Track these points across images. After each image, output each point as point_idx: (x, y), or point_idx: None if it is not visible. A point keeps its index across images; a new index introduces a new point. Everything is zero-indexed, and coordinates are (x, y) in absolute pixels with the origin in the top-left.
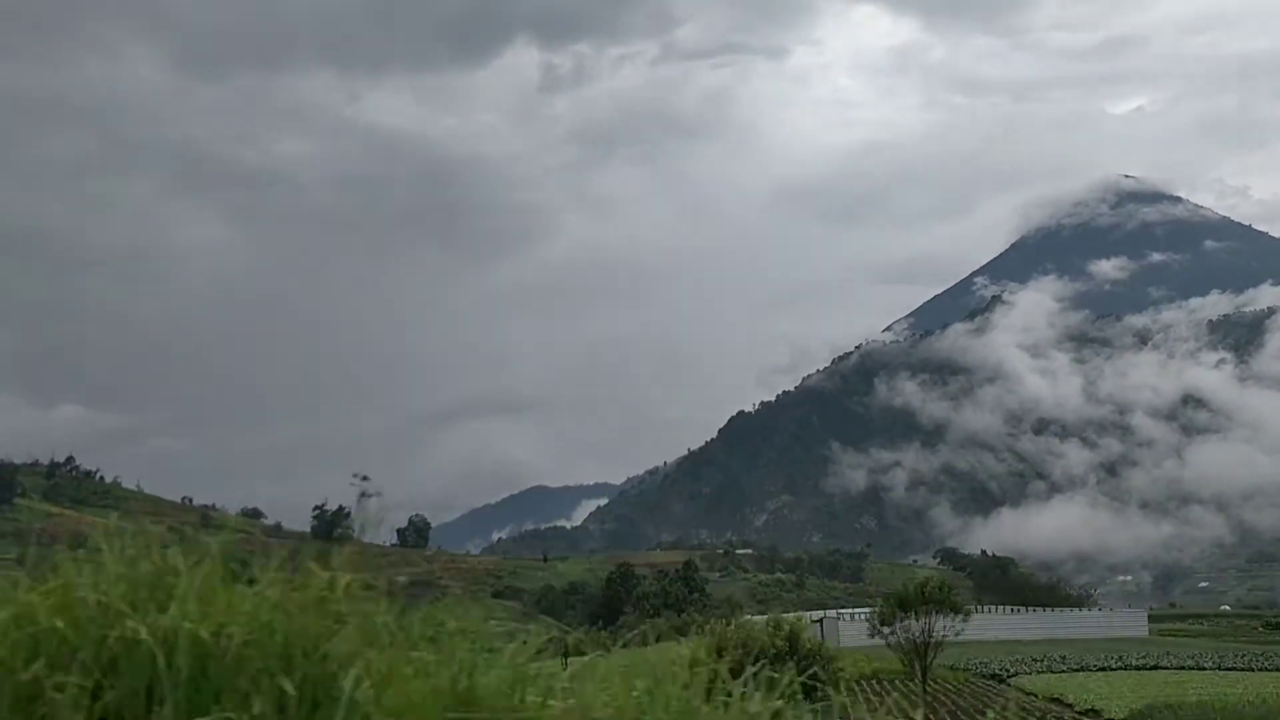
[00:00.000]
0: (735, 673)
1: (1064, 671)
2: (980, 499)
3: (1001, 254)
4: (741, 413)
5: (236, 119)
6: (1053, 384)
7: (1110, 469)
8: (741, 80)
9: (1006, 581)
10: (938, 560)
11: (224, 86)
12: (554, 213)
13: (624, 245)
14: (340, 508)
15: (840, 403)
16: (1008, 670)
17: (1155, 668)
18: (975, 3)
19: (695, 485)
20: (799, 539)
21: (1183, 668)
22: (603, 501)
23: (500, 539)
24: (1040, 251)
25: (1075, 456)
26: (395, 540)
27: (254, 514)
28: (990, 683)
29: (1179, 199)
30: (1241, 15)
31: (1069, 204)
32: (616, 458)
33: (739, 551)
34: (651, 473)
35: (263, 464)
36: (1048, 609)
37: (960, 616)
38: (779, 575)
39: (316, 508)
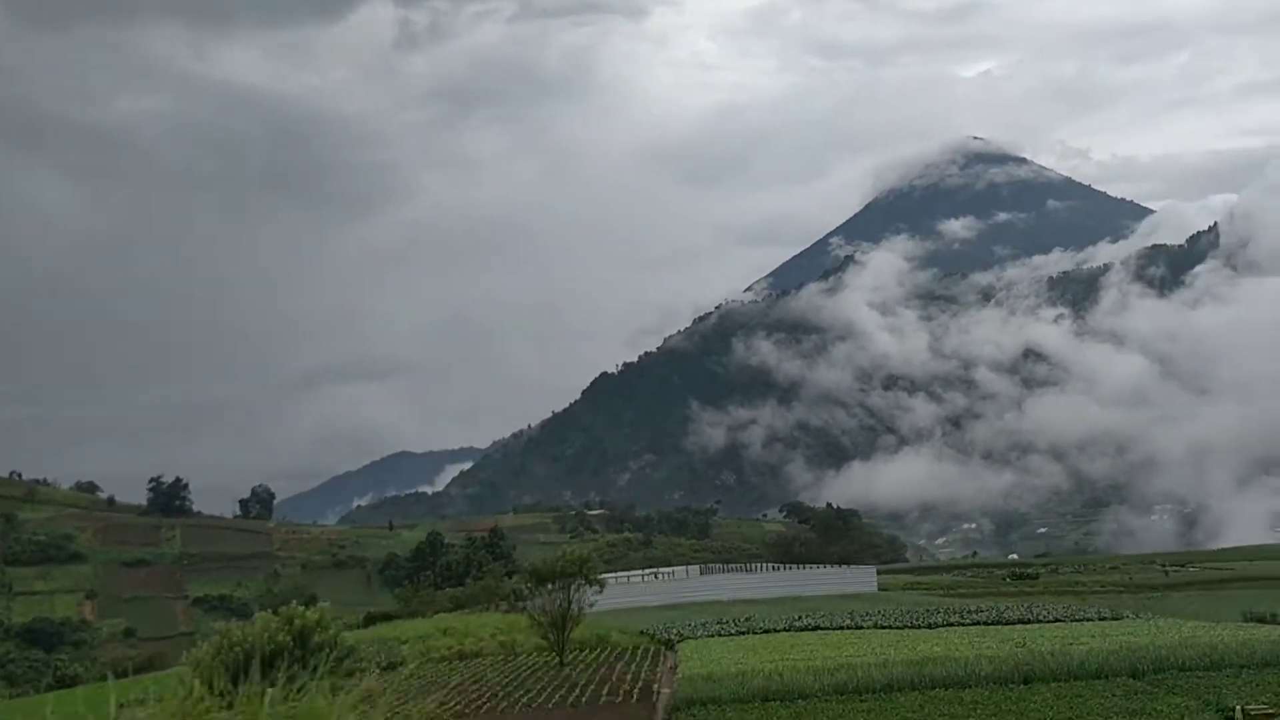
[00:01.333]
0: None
1: (734, 635)
2: (833, 453)
3: (856, 215)
4: (605, 374)
5: (77, 74)
6: (901, 341)
7: (955, 422)
8: (602, 40)
9: (848, 534)
10: (784, 514)
11: (63, 39)
12: (414, 172)
13: (488, 206)
14: (178, 479)
15: (700, 363)
16: (680, 635)
17: (816, 629)
18: None
19: (559, 447)
20: (660, 497)
21: (842, 627)
22: (467, 466)
23: (360, 506)
24: (892, 212)
25: (922, 410)
26: (238, 512)
27: (88, 487)
28: (655, 649)
29: (1024, 160)
30: None
31: (920, 165)
32: (483, 422)
33: (591, 513)
34: (516, 436)
35: (107, 435)
36: (788, 567)
37: (595, 589)
38: (626, 534)
39: (152, 480)
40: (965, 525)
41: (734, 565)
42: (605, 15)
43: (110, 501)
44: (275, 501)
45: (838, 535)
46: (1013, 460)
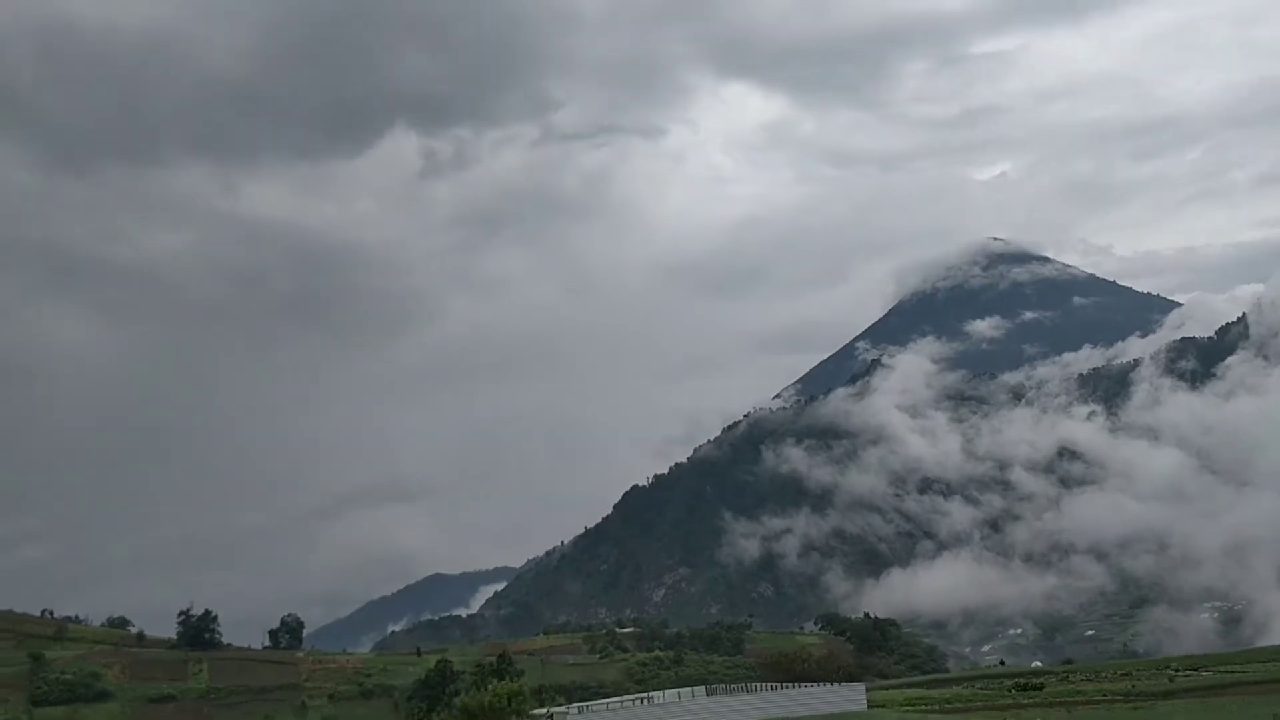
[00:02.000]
0: None
1: None
2: (871, 561)
3: (881, 319)
4: (636, 487)
5: (107, 215)
6: (933, 443)
7: (993, 524)
8: (620, 160)
9: (887, 644)
10: (820, 626)
11: (92, 183)
12: (439, 296)
13: (512, 326)
14: (207, 611)
15: (731, 472)
16: None
17: None
18: (840, 78)
19: (592, 564)
20: (697, 612)
21: None
22: (501, 586)
23: (394, 632)
24: (918, 314)
25: (959, 514)
26: (268, 642)
27: (120, 622)
28: None
29: (1046, 259)
30: (1094, 83)
31: (943, 267)
32: (515, 540)
33: (622, 631)
34: (549, 554)
35: (140, 569)
36: (778, 687)
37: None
38: (657, 653)
39: (182, 613)
40: (1011, 631)
41: (735, 685)
42: (623, 136)
43: (140, 636)
44: (310, 630)
45: (875, 646)
46: (1054, 561)
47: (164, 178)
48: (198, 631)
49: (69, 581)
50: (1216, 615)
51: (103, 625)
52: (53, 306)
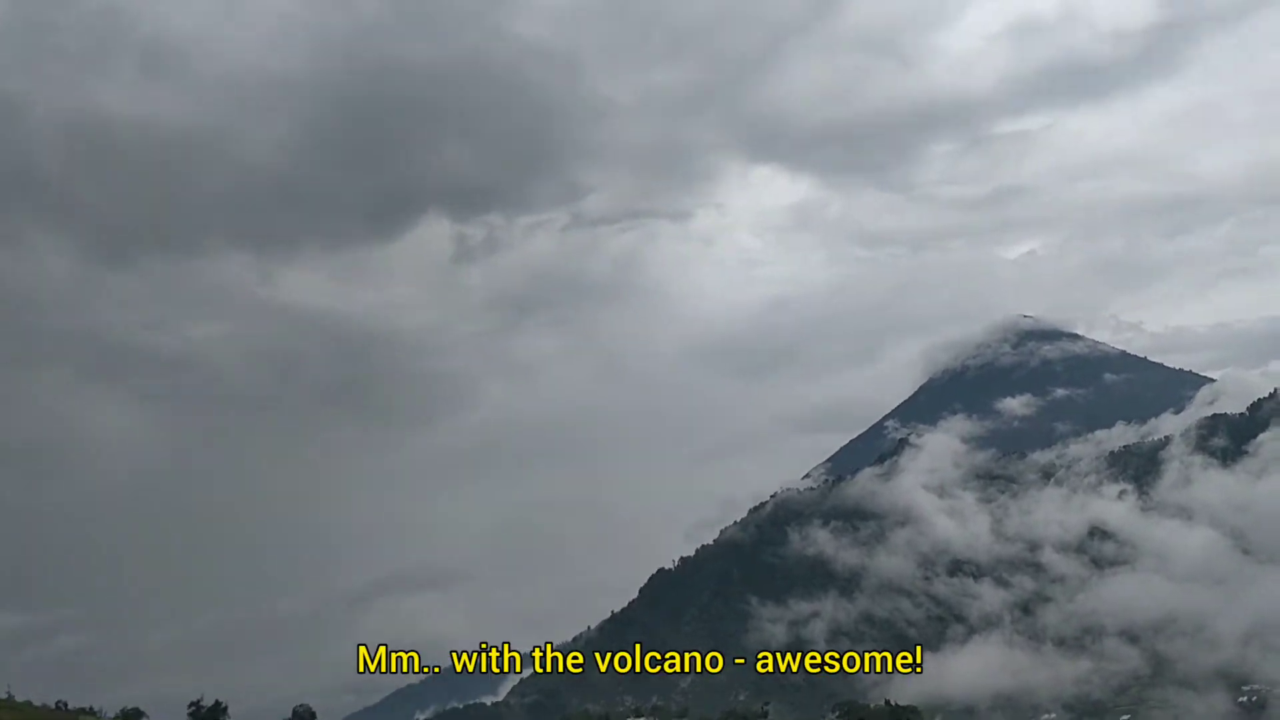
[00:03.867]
0: None
1: None
2: (901, 645)
3: (910, 397)
4: (662, 570)
5: (148, 306)
6: (962, 524)
7: (1024, 607)
8: (649, 243)
9: None
10: (837, 715)
11: (135, 274)
12: (471, 380)
13: (545, 408)
14: (217, 703)
15: (757, 555)
16: None
17: None
18: (867, 160)
19: (619, 649)
20: (725, 698)
21: None
22: (528, 673)
23: None
24: (947, 393)
25: (990, 596)
26: None
27: (133, 714)
28: None
29: (1077, 335)
30: (1121, 161)
31: (972, 345)
32: (544, 625)
33: None
34: (575, 639)
35: (173, 657)
36: None
37: None
38: None
39: (192, 704)
40: (1045, 716)
41: None
42: (651, 220)
43: None
44: (344, 718)
45: None
46: (1087, 645)
47: (204, 268)
48: None
49: (96, 671)
50: (1243, 699)
51: (115, 717)
52: (94, 395)
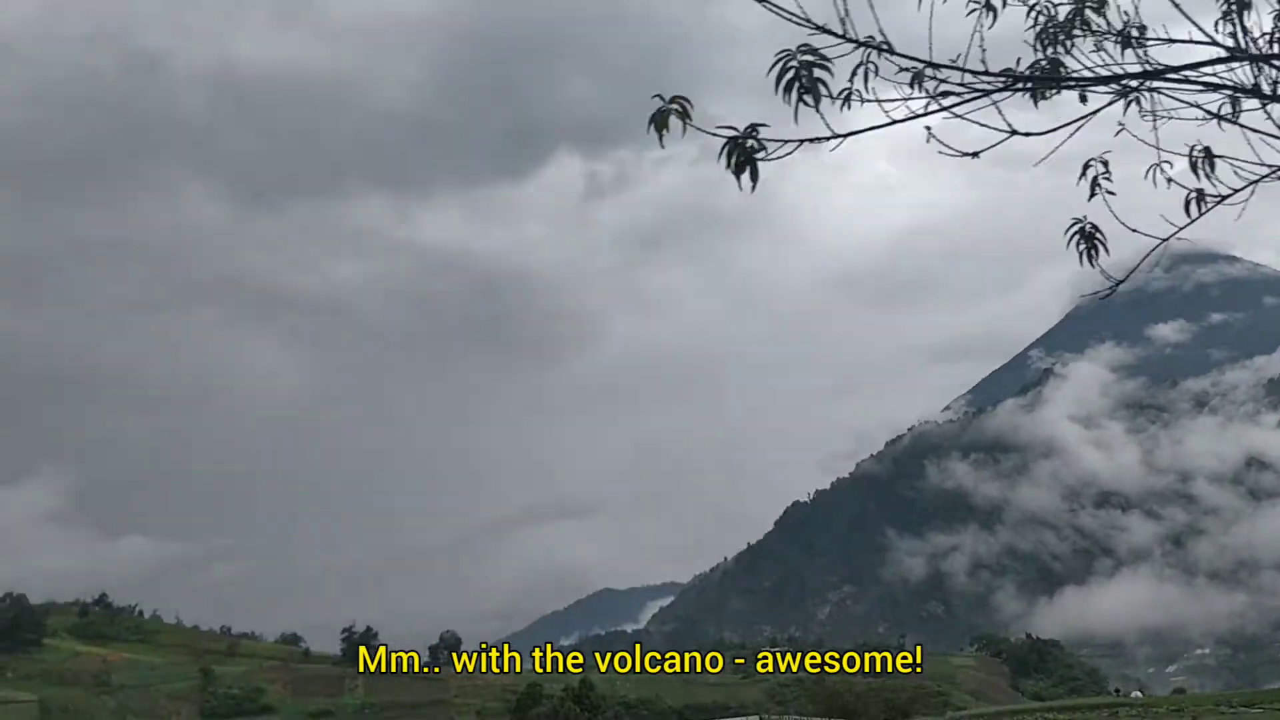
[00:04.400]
0: None
1: None
2: (1045, 579)
3: (1056, 325)
4: (797, 503)
5: (294, 248)
6: (1109, 456)
7: (1176, 540)
8: (781, 173)
9: (1045, 666)
10: (975, 648)
11: (280, 218)
12: (604, 316)
13: (676, 342)
14: (368, 628)
15: (894, 488)
16: None
17: None
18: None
19: (755, 580)
20: (864, 630)
21: None
22: (668, 601)
23: (563, 645)
24: (1095, 321)
25: (1139, 529)
26: (428, 657)
27: (291, 639)
28: None
29: (1235, 258)
30: None
31: (1121, 270)
32: (683, 556)
33: (770, 651)
34: (714, 570)
35: (320, 586)
36: None
37: None
38: (799, 675)
39: (345, 630)
40: (1198, 651)
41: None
42: (782, 147)
43: (306, 653)
44: (487, 644)
45: (1033, 668)
46: (1242, 579)
47: (344, 210)
48: (359, 648)
49: (253, 598)
50: None
51: (275, 641)
52: (244, 335)
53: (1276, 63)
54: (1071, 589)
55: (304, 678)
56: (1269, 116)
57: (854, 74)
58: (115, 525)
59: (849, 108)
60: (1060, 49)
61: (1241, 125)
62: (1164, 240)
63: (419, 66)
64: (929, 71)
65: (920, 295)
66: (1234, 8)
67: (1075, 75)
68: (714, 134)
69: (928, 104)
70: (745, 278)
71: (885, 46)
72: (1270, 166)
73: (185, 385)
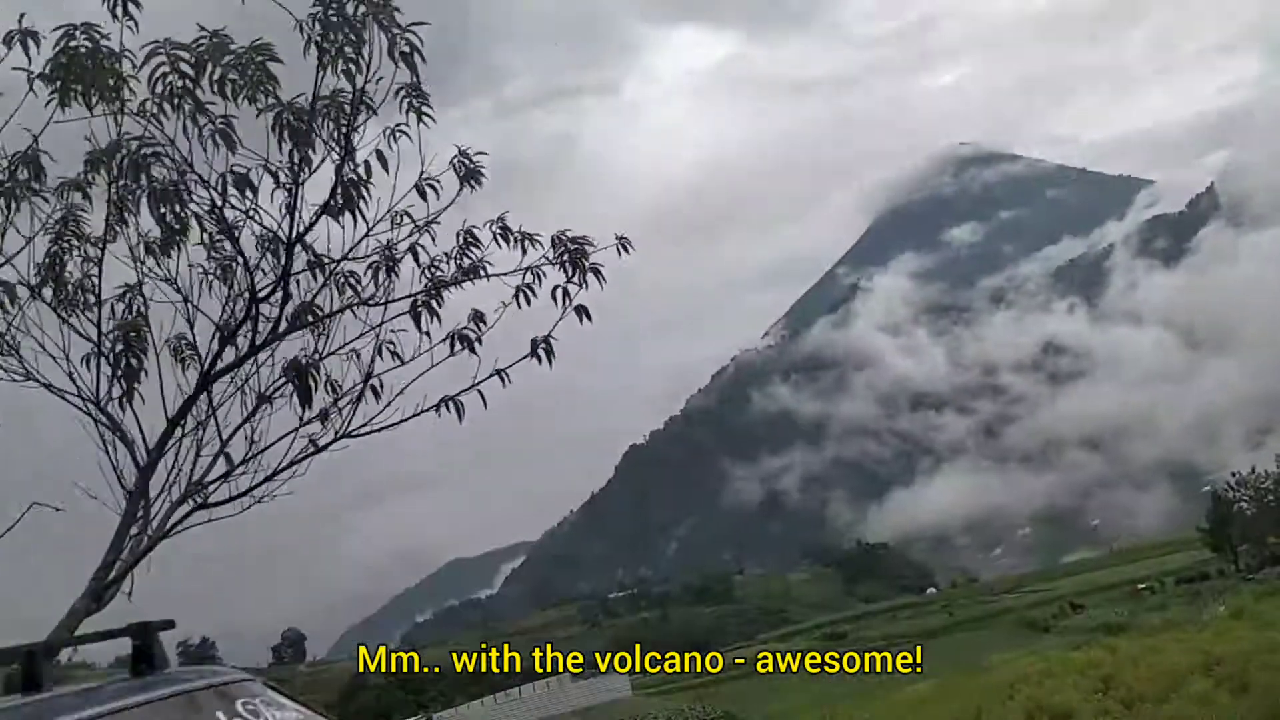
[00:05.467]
0: None
1: None
2: (873, 485)
3: (858, 241)
4: (633, 446)
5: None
6: (918, 360)
7: (988, 430)
8: (579, 120)
9: (874, 570)
10: (809, 562)
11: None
12: None
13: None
14: (204, 639)
15: (724, 418)
16: None
17: None
18: (786, 8)
19: (603, 527)
20: (711, 559)
21: None
22: (519, 562)
23: (420, 623)
24: (894, 232)
25: (953, 425)
26: (272, 659)
27: (127, 659)
28: None
29: (1016, 156)
30: None
31: (912, 181)
32: (530, 514)
33: (612, 597)
34: (561, 523)
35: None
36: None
37: None
38: (643, 615)
39: (180, 643)
40: (1020, 532)
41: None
42: (578, 97)
43: None
44: (342, 632)
45: (864, 574)
46: (1051, 458)
47: None
48: (198, 661)
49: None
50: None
51: (110, 666)
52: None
53: None
54: (899, 490)
55: None
56: None
57: None
58: None
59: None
60: None
61: None
62: None
63: None
64: None
65: (727, 227)
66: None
67: None
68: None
69: None
70: (556, 228)
71: None
72: None
73: None
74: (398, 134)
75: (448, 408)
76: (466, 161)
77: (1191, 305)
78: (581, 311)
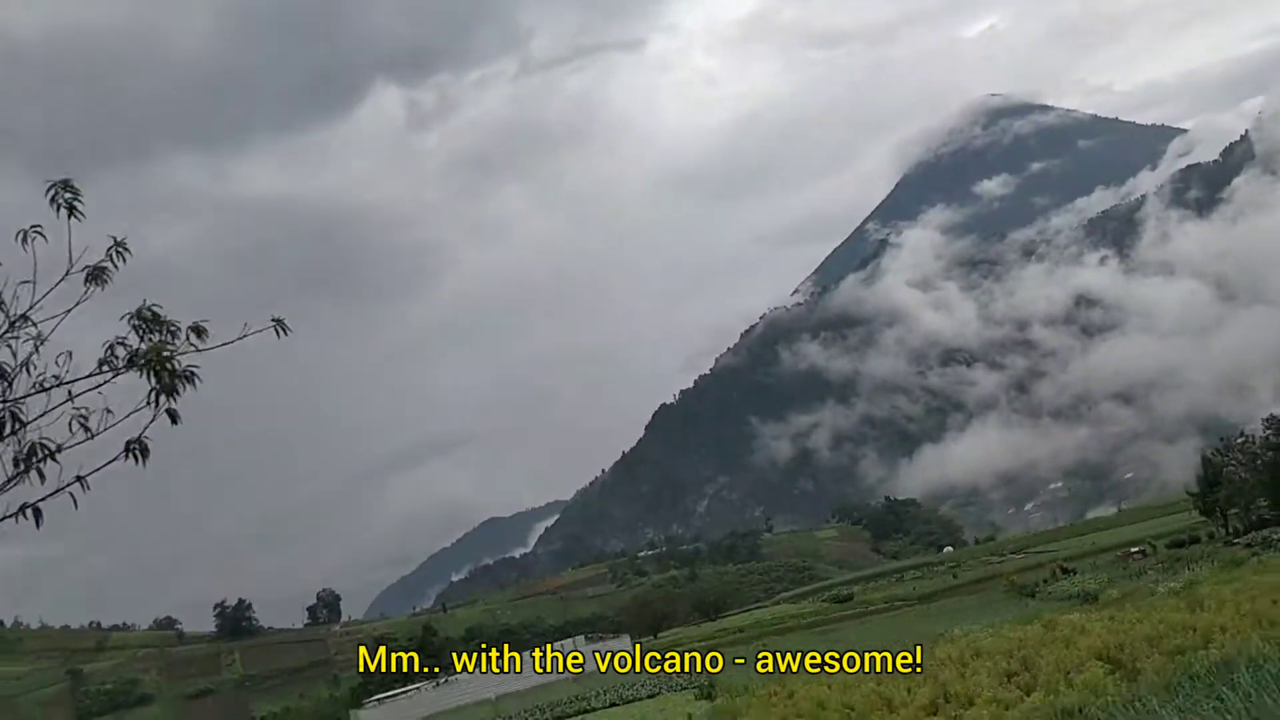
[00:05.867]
0: None
1: None
2: (904, 442)
3: (889, 196)
4: (664, 405)
5: (107, 222)
6: (949, 315)
7: (1019, 386)
8: (604, 79)
9: (901, 527)
10: (836, 520)
11: (87, 191)
12: (446, 246)
13: (525, 263)
14: (240, 601)
15: (753, 377)
16: None
17: None
18: None
19: (634, 486)
20: (741, 517)
21: None
22: (552, 521)
23: (455, 582)
24: (925, 185)
25: (984, 380)
26: (307, 620)
27: (167, 623)
28: None
29: (1048, 107)
30: None
31: (944, 133)
32: (564, 474)
33: (641, 556)
34: (593, 483)
35: (193, 564)
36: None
37: None
38: (672, 573)
39: (217, 606)
40: (1052, 486)
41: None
42: (603, 53)
43: (179, 635)
44: (380, 591)
45: (891, 530)
46: (1083, 413)
47: (157, 173)
48: (235, 622)
49: (128, 588)
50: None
51: (149, 629)
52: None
53: None
54: (929, 447)
55: (179, 661)
56: None
57: None
58: None
59: None
60: None
61: None
62: None
63: (210, 11)
64: None
65: (758, 184)
66: None
67: None
68: None
69: None
70: (584, 189)
71: None
72: None
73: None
74: (31, 235)
75: (26, 515)
76: (120, 252)
77: (1225, 256)
78: (172, 415)
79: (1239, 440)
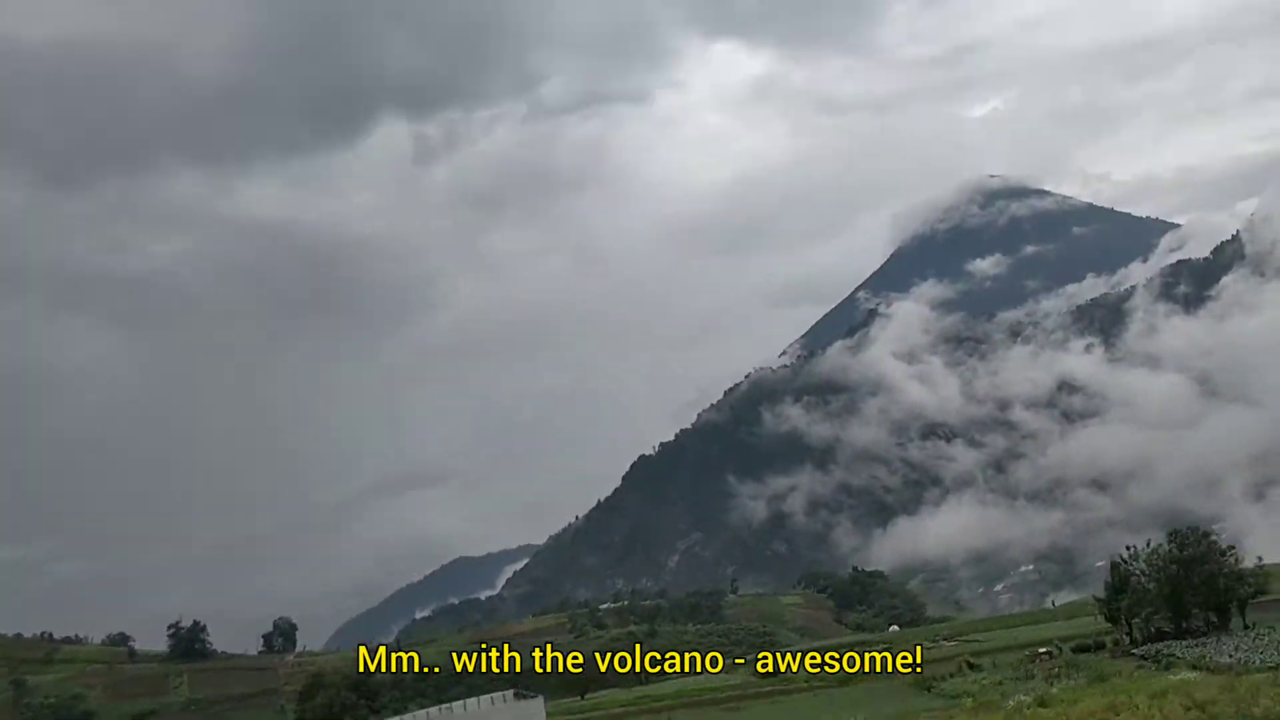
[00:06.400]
0: None
1: None
2: (879, 512)
3: (882, 266)
4: (643, 456)
5: (107, 228)
6: (932, 389)
7: (997, 465)
8: (612, 128)
9: (866, 599)
10: (802, 586)
11: (90, 198)
12: (444, 280)
13: (519, 303)
14: (195, 623)
15: (734, 435)
16: None
17: None
18: (827, 26)
19: (606, 535)
20: (712, 574)
21: None
22: (522, 565)
23: (418, 619)
24: (918, 258)
25: (963, 457)
26: (262, 647)
27: (119, 639)
28: None
29: (1045, 191)
30: (1078, 10)
31: (941, 209)
32: (538, 517)
33: (603, 608)
34: (565, 529)
35: (159, 580)
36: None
37: None
38: (630, 629)
39: (171, 626)
40: (1022, 569)
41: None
42: (612, 104)
43: (131, 653)
44: (343, 622)
45: (856, 601)
46: (1059, 497)
47: (161, 185)
48: (188, 643)
49: (87, 600)
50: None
51: (102, 643)
52: (64, 322)
53: None
54: (904, 519)
55: (126, 679)
56: None
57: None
58: None
59: None
60: None
61: None
62: None
63: (225, 30)
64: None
65: (756, 243)
66: None
67: None
68: None
69: None
70: (584, 234)
71: None
72: None
73: (4, 380)
74: None
75: None
76: None
77: (1209, 352)
78: None
79: (1145, 549)
